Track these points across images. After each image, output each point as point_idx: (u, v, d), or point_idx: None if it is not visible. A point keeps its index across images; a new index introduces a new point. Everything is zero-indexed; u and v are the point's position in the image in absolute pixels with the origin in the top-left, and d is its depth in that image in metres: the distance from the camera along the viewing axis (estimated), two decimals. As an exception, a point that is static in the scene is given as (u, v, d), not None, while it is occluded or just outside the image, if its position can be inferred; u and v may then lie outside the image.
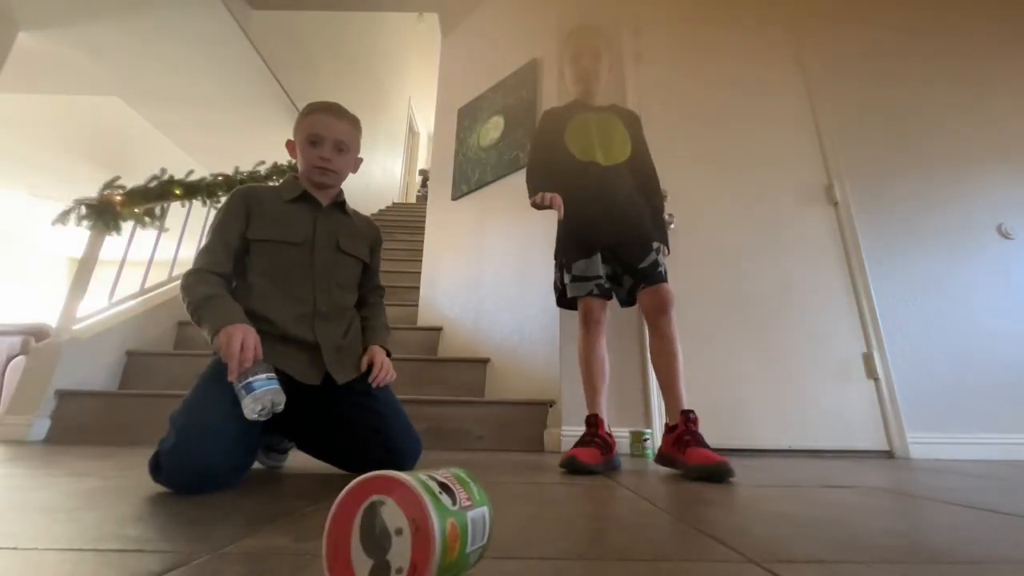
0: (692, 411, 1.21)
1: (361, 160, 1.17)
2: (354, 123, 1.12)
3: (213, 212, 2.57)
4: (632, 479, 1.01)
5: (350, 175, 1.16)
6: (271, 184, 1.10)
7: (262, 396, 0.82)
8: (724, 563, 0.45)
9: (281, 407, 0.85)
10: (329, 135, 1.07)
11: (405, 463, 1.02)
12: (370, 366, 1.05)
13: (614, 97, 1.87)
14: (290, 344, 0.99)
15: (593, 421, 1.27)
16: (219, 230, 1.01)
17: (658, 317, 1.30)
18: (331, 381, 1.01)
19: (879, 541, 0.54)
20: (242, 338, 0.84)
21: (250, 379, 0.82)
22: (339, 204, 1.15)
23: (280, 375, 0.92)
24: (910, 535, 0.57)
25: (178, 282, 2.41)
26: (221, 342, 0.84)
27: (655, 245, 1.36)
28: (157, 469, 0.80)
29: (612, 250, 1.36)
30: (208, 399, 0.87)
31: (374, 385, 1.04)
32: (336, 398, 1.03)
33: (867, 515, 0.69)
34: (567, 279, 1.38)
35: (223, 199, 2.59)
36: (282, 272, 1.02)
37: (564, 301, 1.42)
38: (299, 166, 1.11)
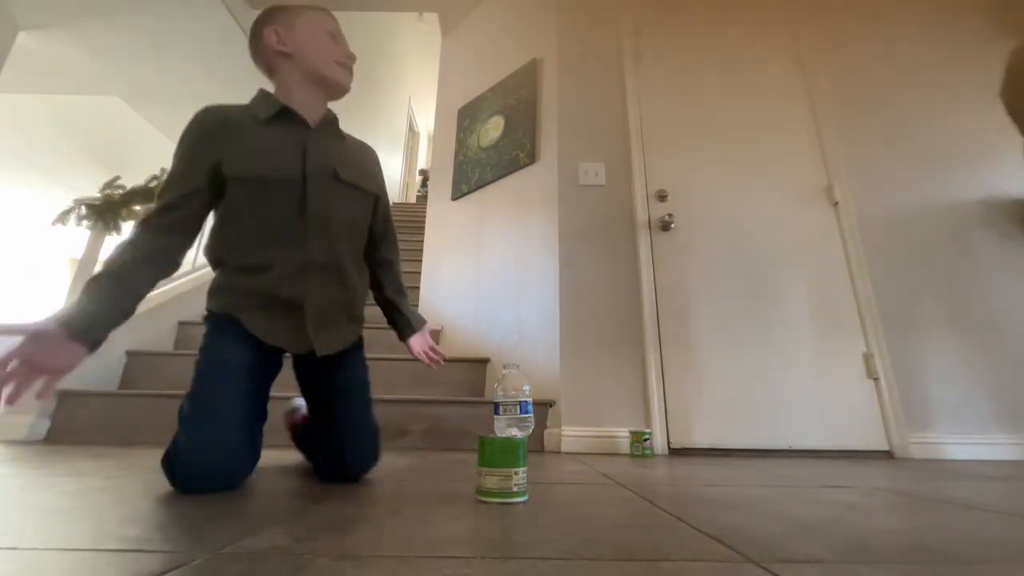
0: None
1: None
2: None
3: (213, 212, 2.56)
4: (632, 479, 1.01)
5: None
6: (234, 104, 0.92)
7: None
8: (724, 563, 0.45)
9: None
10: (342, 37, 0.95)
11: (350, 475, 0.89)
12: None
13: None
14: (273, 312, 0.85)
15: None
16: (184, 161, 0.85)
17: None
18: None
19: (879, 541, 0.54)
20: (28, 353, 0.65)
21: None
22: (331, 122, 0.93)
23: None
24: (910, 535, 0.57)
25: (178, 282, 2.44)
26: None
27: None
28: (169, 469, 0.77)
29: None
30: (215, 391, 0.80)
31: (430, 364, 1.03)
32: (314, 377, 0.93)
33: (867, 515, 0.69)
34: None
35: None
36: (269, 216, 0.84)
37: None
38: (306, 62, 0.89)
